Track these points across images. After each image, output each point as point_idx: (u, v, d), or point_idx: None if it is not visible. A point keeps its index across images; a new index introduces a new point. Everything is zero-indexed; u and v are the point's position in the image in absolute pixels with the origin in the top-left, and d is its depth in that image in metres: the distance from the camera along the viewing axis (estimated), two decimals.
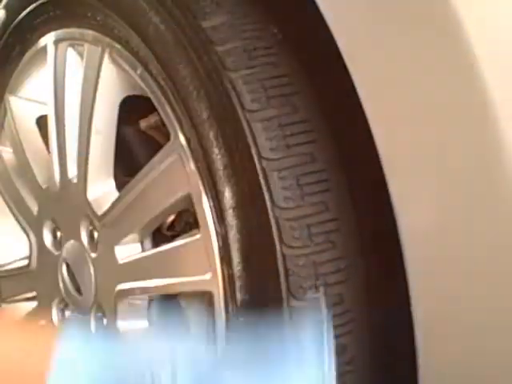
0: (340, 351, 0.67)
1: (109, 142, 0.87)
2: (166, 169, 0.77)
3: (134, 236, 0.85)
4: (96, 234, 0.90)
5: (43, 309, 1.03)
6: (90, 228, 0.91)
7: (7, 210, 1.09)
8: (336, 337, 0.66)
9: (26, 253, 1.07)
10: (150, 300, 0.89)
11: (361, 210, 0.67)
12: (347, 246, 0.67)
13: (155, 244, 0.87)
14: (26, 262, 1.06)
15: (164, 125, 0.84)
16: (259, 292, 0.68)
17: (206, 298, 0.84)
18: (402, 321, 0.63)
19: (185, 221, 0.86)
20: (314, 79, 0.70)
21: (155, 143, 0.90)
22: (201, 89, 0.69)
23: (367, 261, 0.66)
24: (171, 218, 0.86)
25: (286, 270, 0.65)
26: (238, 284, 0.69)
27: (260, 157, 0.65)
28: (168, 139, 0.84)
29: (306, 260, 0.65)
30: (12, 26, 0.97)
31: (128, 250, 0.86)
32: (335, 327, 0.66)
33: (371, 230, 0.67)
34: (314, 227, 0.66)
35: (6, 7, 0.97)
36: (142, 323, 0.88)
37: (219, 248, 0.71)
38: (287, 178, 0.66)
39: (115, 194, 0.88)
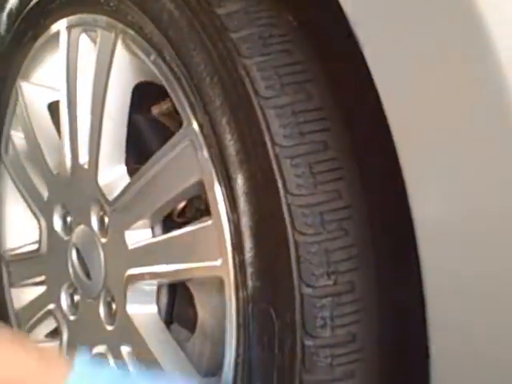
0: (350, 340, 0.67)
1: (121, 128, 0.87)
2: (178, 155, 0.77)
3: (144, 221, 0.86)
4: (106, 220, 0.91)
5: (52, 293, 1.04)
6: (101, 213, 0.91)
7: (18, 195, 1.09)
8: (346, 325, 0.67)
9: (36, 238, 1.08)
10: (160, 285, 0.90)
11: (373, 199, 0.67)
12: (359, 234, 0.67)
13: (165, 230, 0.87)
14: (35, 246, 1.06)
15: (176, 111, 0.85)
16: (270, 279, 0.68)
17: (215, 284, 0.84)
18: (413, 310, 0.64)
19: (196, 207, 0.86)
20: (328, 67, 0.70)
21: (167, 130, 0.90)
22: (215, 75, 0.69)
23: (379, 249, 0.67)
24: (182, 204, 0.87)
25: (298, 257, 0.65)
26: (249, 270, 0.69)
27: (273, 143, 0.65)
28: (180, 126, 0.84)
29: (318, 247, 0.65)
30: (25, 11, 0.97)
31: (138, 236, 0.86)
32: (345, 315, 0.67)
33: (383, 219, 0.67)
34: (326, 214, 0.66)
35: None
36: (152, 308, 0.88)
37: (231, 234, 0.71)
38: (300, 165, 0.66)
39: (126, 180, 0.88)
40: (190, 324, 0.91)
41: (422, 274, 0.59)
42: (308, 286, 0.66)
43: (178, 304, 0.92)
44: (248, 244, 0.69)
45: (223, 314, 0.81)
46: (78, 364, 0.64)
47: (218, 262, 0.74)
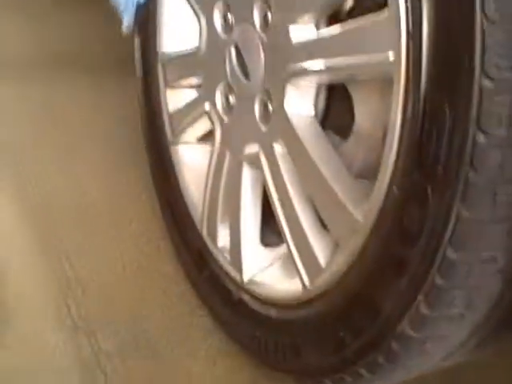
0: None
1: None
2: None
3: (310, 15, 0.82)
4: (270, 15, 0.88)
5: (208, 94, 1.05)
6: (264, 7, 0.89)
7: None
8: None
9: (195, 43, 1.08)
10: (318, 88, 0.88)
11: None
12: None
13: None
14: (194, 45, 1.06)
15: None
16: (449, 69, 0.64)
17: (378, 86, 0.81)
18: None
19: (365, 7, 0.82)
20: None
21: None
22: None
23: None
24: (351, 3, 0.83)
25: (483, 47, 0.61)
26: (424, 60, 0.65)
27: None
28: None
29: (505, 36, 0.60)
30: None
31: (303, 30, 0.83)
32: None
33: None
34: None
35: None
36: (309, 110, 0.87)
37: (407, 24, 0.67)
38: None
39: None
40: (345, 130, 0.89)
41: None
42: (489, 78, 0.61)
43: (334, 109, 0.91)
44: (426, 31, 0.65)
45: (383, 118, 0.79)
46: None
47: (390, 56, 0.70)
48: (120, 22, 1.16)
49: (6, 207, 1.33)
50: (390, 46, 0.70)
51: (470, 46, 0.62)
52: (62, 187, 1.40)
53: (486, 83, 0.62)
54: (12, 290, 1.16)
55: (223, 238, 1.05)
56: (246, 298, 1.00)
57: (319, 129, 0.88)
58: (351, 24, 0.77)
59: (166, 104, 1.17)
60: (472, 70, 0.62)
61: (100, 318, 1.12)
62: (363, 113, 0.85)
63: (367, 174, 0.84)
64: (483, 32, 0.61)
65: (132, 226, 1.31)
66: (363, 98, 0.84)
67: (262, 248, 1.00)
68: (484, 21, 0.60)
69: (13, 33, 1.94)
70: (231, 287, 1.03)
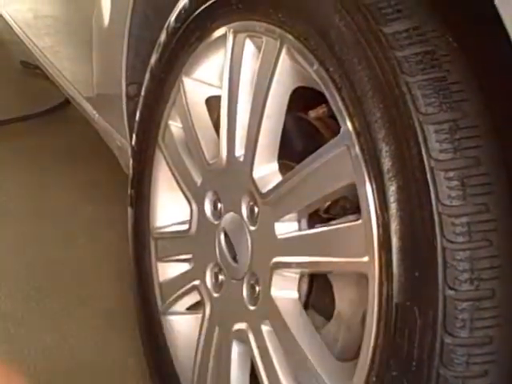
0: (487, 342, 0.72)
1: (277, 128, 0.95)
2: (332, 158, 0.84)
3: (293, 215, 0.94)
4: (256, 210, 0.99)
5: (198, 271, 1.14)
6: (251, 203, 1.00)
7: (171, 178, 1.20)
8: (484, 328, 0.72)
9: (184, 219, 1.18)
10: (302, 274, 0.98)
11: None
12: (503, 246, 0.72)
13: (311, 223, 0.95)
14: (185, 226, 1.17)
15: (330, 117, 0.92)
16: (416, 279, 0.74)
17: (355, 277, 0.91)
18: None
19: (341, 206, 0.93)
20: (484, 87, 0.74)
21: (318, 133, 0.97)
22: (377, 89, 0.76)
23: None
24: (329, 202, 0.94)
25: (445, 262, 0.71)
26: (395, 270, 0.76)
27: (429, 157, 0.71)
28: (332, 131, 0.91)
29: (463, 254, 0.71)
30: (194, 14, 1.06)
31: (287, 227, 0.94)
32: (484, 319, 0.72)
33: None
34: (473, 225, 0.71)
35: None
36: (293, 293, 0.97)
37: (379, 235, 0.78)
38: (453, 178, 0.71)
39: (278, 175, 0.96)
40: (326, 312, 0.98)
41: None
42: (451, 289, 0.72)
43: (316, 292, 1.00)
44: (396, 245, 0.76)
45: (361, 305, 0.88)
46: None
47: (365, 259, 0.80)
48: None
49: None
50: (364, 250, 0.80)
51: (434, 260, 0.72)
52: (52, 347, 1.46)
53: (450, 292, 0.72)
54: None
55: None
56: None
57: (303, 311, 0.96)
58: (330, 226, 0.88)
59: (158, 276, 1.25)
60: (436, 280, 0.72)
61: None
62: (343, 299, 0.94)
63: (350, 356, 0.92)
64: (444, 249, 0.72)
65: None
66: (342, 286, 0.94)
67: None
68: (444, 243, 0.71)
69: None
70: None
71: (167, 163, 1.20)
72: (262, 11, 0.93)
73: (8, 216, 1.93)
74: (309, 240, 0.91)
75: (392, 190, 0.75)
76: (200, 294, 1.14)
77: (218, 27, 1.03)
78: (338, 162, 0.83)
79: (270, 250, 0.96)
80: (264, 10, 0.92)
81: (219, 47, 1.05)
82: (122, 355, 1.43)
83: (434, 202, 0.71)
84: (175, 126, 1.17)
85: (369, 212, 0.79)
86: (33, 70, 2.75)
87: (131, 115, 1.34)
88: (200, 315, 1.15)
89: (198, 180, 1.12)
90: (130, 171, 1.30)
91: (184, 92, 1.12)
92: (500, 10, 0.64)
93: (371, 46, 0.76)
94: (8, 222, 1.91)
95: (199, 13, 1.05)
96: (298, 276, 0.97)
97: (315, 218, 0.95)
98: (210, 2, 1.02)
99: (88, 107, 1.71)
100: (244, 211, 1.02)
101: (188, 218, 1.16)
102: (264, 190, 0.96)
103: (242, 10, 0.97)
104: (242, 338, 1.04)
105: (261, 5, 0.92)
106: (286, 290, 0.96)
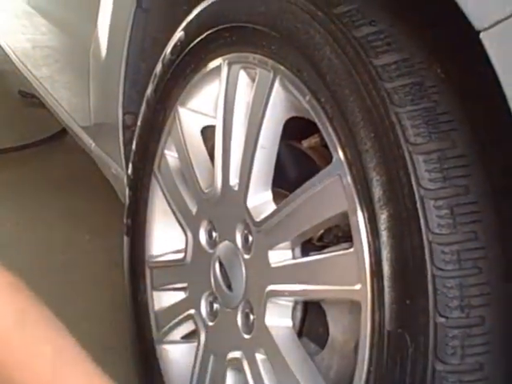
0: (477, 368, 0.73)
1: (271, 157, 0.96)
2: (325, 187, 0.85)
3: (286, 243, 0.95)
4: (250, 238, 1.00)
5: (193, 300, 1.15)
6: (246, 232, 1.01)
7: (167, 207, 1.21)
8: (475, 355, 0.73)
9: (179, 247, 1.19)
10: (296, 302, 0.98)
11: (508, 241, 0.73)
12: (492, 273, 0.73)
13: (304, 251, 0.96)
14: (180, 255, 1.17)
15: (323, 146, 0.94)
16: (407, 307, 0.75)
17: (348, 304, 0.92)
18: None
19: (334, 234, 0.94)
20: (471, 117, 0.76)
21: (311, 162, 0.99)
22: (367, 120, 0.77)
23: (511, 288, 0.72)
24: (322, 230, 0.95)
25: (435, 290, 0.72)
26: (387, 297, 0.77)
27: (419, 186, 0.73)
28: (324, 160, 0.93)
29: (453, 282, 0.72)
30: (189, 46, 1.08)
31: (280, 256, 0.95)
32: (475, 346, 0.73)
33: None
34: (462, 253, 0.73)
35: (186, 30, 1.09)
36: (287, 321, 0.97)
37: (371, 263, 0.79)
38: (442, 206, 0.73)
39: (272, 204, 0.97)
40: (320, 339, 0.99)
41: None
42: (442, 316, 0.72)
43: (310, 320, 1.01)
44: (387, 273, 0.77)
45: (354, 332, 0.89)
46: None
47: (357, 287, 0.81)
48: None
49: None
50: (357, 278, 0.81)
51: (425, 288, 0.73)
52: None
53: (440, 320, 0.73)
54: None
55: None
56: None
57: (296, 339, 0.97)
58: (323, 255, 0.89)
59: (153, 304, 1.26)
60: (427, 308, 0.73)
61: None
62: (336, 327, 0.95)
63: (344, 383, 0.93)
64: (434, 277, 0.73)
65: None
66: (336, 313, 0.95)
67: None
68: (434, 271, 0.72)
69: None
70: None
71: (163, 192, 1.21)
72: (255, 43, 0.95)
73: (3, 246, 1.94)
74: (302, 268, 0.92)
75: (383, 218, 0.77)
76: (195, 322, 1.15)
77: (212, 59, 1.05)
78: (331, 191, 0.85)
79: (264, 279, 0.97)
80: (257, 41, 0.94)
81: (214, 78, 1.07)
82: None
83: (424, 230, 0.72)
84: (171, 155, 1.19)
85: (361, 240, 0.80)
86: (31, 99, 2.78)
87: (127, 145, 1.36)
88: (195, 344, 1.15)
89: (193, 209, 1.13)
90: (126, 200, 1.32)
91: (179, 122, 1.14)
92: (485, 44, 0.66)
93: (362, 77, 0.78)
94: (3, 252, 1.91)
95: (194, 45, 1.07)
96: (291, 304, 0.97)
97: (309, 246, 0.97)
98: (205, 34, 1.05)
99: (85, 136, 1.72)
100: (238, 240, 1.03)
101: (183, 246, 1.17)
102: (258, 219, 0.97)
103: (236, 41, 0.99)
104: (236, 366, 1.04)
105: (254, 37, 0.94)
106: (280, 318, 0.97)
